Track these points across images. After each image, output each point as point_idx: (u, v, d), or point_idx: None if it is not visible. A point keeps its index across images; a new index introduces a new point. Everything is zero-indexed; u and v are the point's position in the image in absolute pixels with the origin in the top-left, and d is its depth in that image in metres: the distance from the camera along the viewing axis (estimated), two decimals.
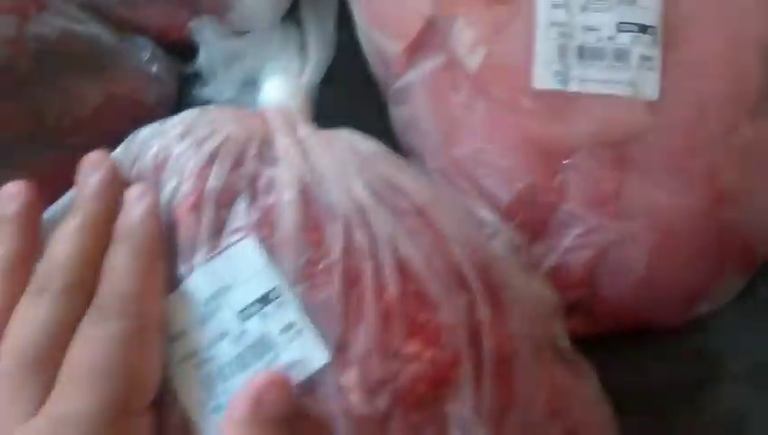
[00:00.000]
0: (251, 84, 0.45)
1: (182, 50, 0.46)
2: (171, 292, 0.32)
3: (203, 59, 0.44)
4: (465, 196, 0.39)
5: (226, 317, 0.32)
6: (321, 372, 0.31)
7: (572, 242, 0.39)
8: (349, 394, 0.31)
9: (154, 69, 0.44)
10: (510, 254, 0.38)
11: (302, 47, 0.45)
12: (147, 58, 0.44)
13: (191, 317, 0.32)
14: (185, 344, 0.32)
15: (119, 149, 0.36)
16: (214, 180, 0.33)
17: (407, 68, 0.40)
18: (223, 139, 0.35)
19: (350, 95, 0.46)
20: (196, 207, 0.33)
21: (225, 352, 0.32)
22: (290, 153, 0.34)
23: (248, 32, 0.45)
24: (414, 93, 0.40)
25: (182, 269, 0.32)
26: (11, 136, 0.38)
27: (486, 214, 0.39)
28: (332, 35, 0.44)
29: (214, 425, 0.31)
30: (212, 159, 0.34)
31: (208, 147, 0.34)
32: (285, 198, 0.33)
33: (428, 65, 0.40)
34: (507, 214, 0.39)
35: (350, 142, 0.37)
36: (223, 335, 0.32)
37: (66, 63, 0.40)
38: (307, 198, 0.33)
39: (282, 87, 0.39)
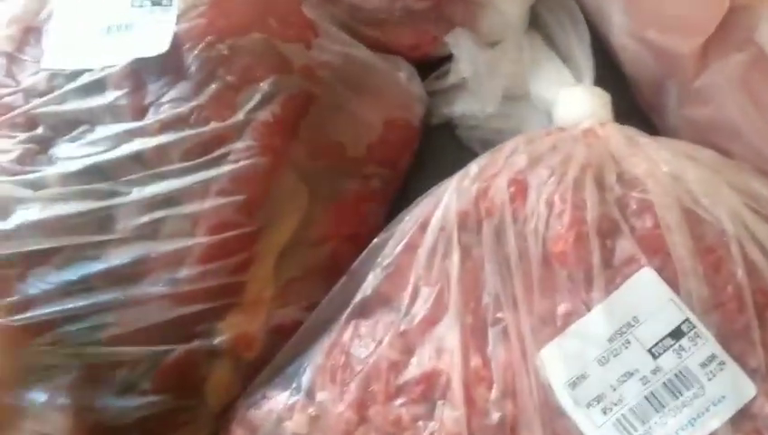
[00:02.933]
0: (509, 96, 0.43)
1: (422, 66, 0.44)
2: (559, 332, 0.30)
3: (464, 72, 0.41)
4: None
5: (635, 355, 0.30)
6: (750, 404, 0.29)
7: None
8: None
9: (415, 88, 0.41)
10: None
11: (559, 54, 0.43)
12: (406, 77, 0.41)
13: (591, 358, 0.30)
14: (588, 388, 0.30)
15: (452, 190, 0.34)
16: (592, 209, 0.31)
17: (702, 66, 0.38)
18: (582, 164, 0.32)
19: None
20: (581, 237, 0.31)
21: (635, 392, 0.29)
22: (654, 172, 0.32)
23: (498, 42, 0.43)
24: (719, 93, 0.38)
25: (573, 304, 0.30)
26: (317, 168, 0.35)
27: None
28: (589, 38, 0.42)
29: None
30: (578, 186, 0.32)
31: (572, 174, 0.32)
32: (670, 221, 0.31)
33: (732, 62, 0.37)
34: None
35: (685, 151, 0.35)
36: (629, 374, 0.30)
37: (351, 88, 0.37)
38: (690, 218, 0.31)
39: (584, 97, 0.37)
